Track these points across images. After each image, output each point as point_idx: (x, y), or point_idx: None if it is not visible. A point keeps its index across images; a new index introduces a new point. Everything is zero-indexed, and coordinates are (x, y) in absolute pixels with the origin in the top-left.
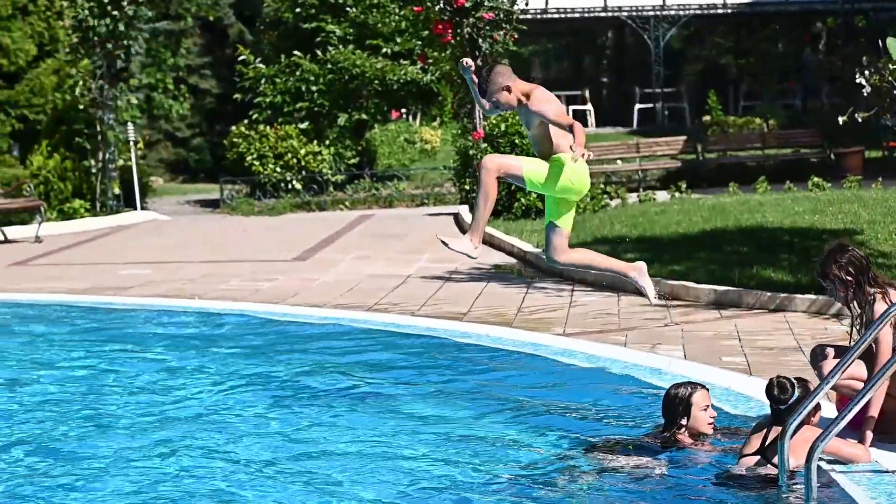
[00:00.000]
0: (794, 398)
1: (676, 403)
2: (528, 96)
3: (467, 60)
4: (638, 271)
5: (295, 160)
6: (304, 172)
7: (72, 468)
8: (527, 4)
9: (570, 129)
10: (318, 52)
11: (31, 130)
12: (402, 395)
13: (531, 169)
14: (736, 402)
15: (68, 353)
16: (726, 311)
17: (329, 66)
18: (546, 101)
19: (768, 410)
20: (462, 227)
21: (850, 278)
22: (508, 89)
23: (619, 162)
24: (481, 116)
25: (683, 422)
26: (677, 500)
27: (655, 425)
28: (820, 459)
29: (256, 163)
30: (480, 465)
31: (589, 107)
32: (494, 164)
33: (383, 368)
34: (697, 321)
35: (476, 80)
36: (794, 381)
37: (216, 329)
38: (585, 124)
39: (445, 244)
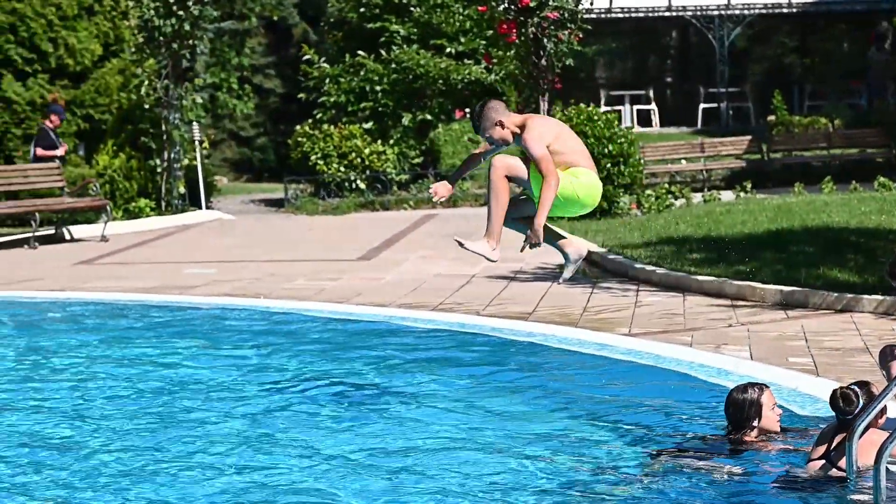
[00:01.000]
0: (859, 408)
1: (748, 405)
2: (522, 128)
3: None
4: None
5: (359, 160)
6: (368, 172)
7: (144, 464)
8: (591, 4)
9: (545, 175)
10: (383, 52)
11: (96, 130)
12: (467, 395)
13: (536, 177)
14: (803, 402)
15: (135, 352)
16: (792, 312)
17: (393, 65)
18: (535, 141)
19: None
20: None
21: None
22: (501, 125)
23: (683, 162)
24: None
25: (755, 423)
26: (748, 500)
27: (723, 426)
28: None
29: (321, 162)
30: (545, 465)
31: (653, 106)
32: (504, 164)
33: (449, 368)
34: (763, 322)
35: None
36: (859, 391)
37: (281, 328)
38: (650, 124)
39: (461, 244)
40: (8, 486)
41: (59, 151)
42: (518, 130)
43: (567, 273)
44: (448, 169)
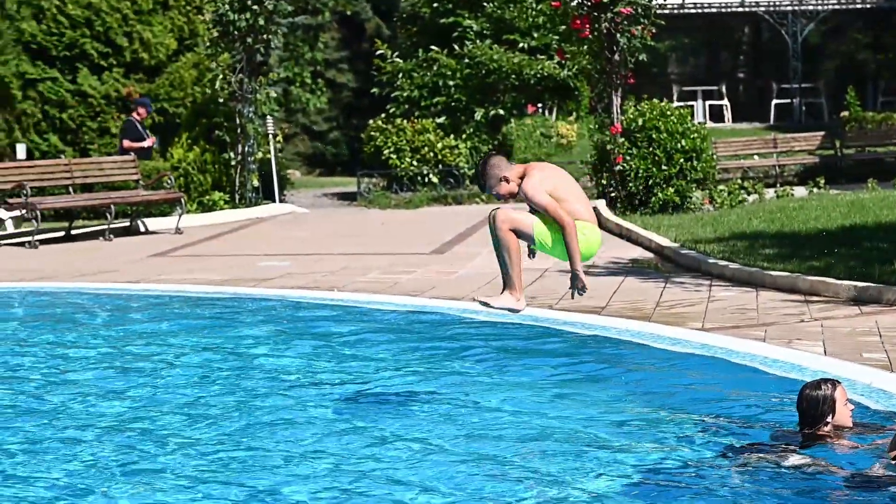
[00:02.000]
0: None
1: (821, 401)
2: (523, 178)
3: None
4: (512, 303)
5: (432, 154)
6: (440, 166)
7: (223, 453)
8: (665, 0)
9: (559, 223)
10: (456, 47)
11: (171, 123)
12: (543, 387)
13: (543, 231)
14: (877, 398)
15: (209, 343)
16: (866, 308)
17: (466, 60)
18: (535, 190)
19: None
20: (600, 223)
21: None
22: (506, 179)
23: (756, 157)
24: (619, 111)
25: (828, 419)
26: (821, 496)
27: (796, 422)
28: None
29: (393, 156)
30: (619, 458)
31: (725, 102)
32: (507, 217)
33: (524, 360)
34: (837, 317)
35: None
36: None
37: (356, 321)
38: (722, 119)
39: (486, 304)
40: (97, 469)
41: (146, 143)
42: (520, 182)
43: (486, 298)
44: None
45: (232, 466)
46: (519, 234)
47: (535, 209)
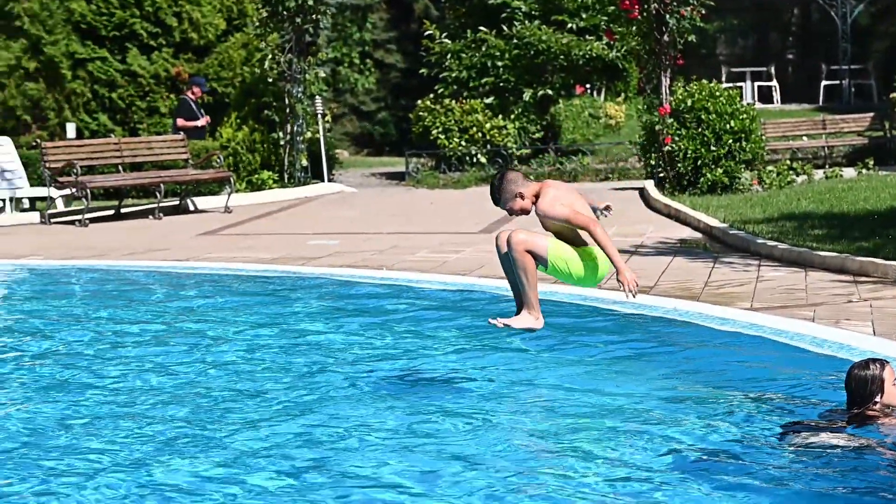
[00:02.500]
0: None
1: (869, 381)
2: (538, 196)
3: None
4: (532, 322)
5: (480, 134)
6: (488, 146)
7: (268, 430)
8: None
9: (588, 230)
10: (504, 28)
11: (220, 103)
12: (594, 364)
13: (557, 253)
14: None
15: (258, 321)
16: None
17: (514, 41)
18: (551, 205)
19: None
20: (648, 203)
21: None
22: (521, 196)
23: (804, 138)
24: (668, 92)
25: (877, 398)
26: (869, 475)
27: (844, 402)
28: None
29: (442, 136)
30: (669, 435)
31: (774, 83)
32: (521, 239)
33: (573, 339)
34: (886, 298)
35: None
36: None
37: (405, 299)
38: (771, 101)
39: (508, 326)
40: (153, 442)
41: (200, 122)
42: (535, 199)
43: (505, 320)
44: (569, 144)
45: (282, 441)
46: (533, 255)
47: (549, 228)
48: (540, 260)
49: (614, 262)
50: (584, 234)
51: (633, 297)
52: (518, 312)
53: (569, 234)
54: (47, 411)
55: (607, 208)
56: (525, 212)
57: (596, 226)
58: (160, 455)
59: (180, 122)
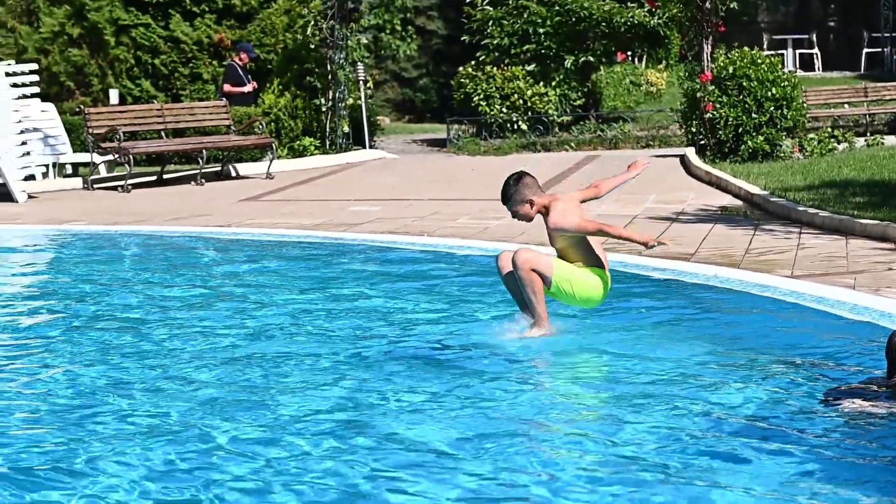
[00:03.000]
0: None
1: None
2: (547, 210)
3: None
4: (544, 333)
5: (521, 101)
6: (530, 113)
7: (312, 391)
8: None
9: (601, 232)
10: None
11: (262, 70)
12: (631, 332)
13: (562, 276)
14: None
15: (300, 286)
16: None
17: (556, 8)
18: (563, 216)
19: None
20: (689, 170)
21: None
22: (532, 203)
23: (846, 106)
24: (709, 59)
25: None
26: None
27: (885, 369)
28: None
29: (483, 103)
30: (709, 403)
31: (815, 51)
32: (527, 258)
33: (614, 304)
34: None
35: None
36: None
37: (447, 264)
38: (812, 68)
39: (524, 338)
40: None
41: (247, 88)
42: (543, 211)
43: (518, 328)
44: (610, 111)
45: (324, 405)
46: (538, 273)
47: (556, 244)
48: (545, 280)
49: (637, 241)
50: (594, 243)
51: (667, 245)
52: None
53: (573, 253)
54: (94, 374)
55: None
56: (528, 219)
57: (608, 227)
58: (204, 418)
59: (227, 87)
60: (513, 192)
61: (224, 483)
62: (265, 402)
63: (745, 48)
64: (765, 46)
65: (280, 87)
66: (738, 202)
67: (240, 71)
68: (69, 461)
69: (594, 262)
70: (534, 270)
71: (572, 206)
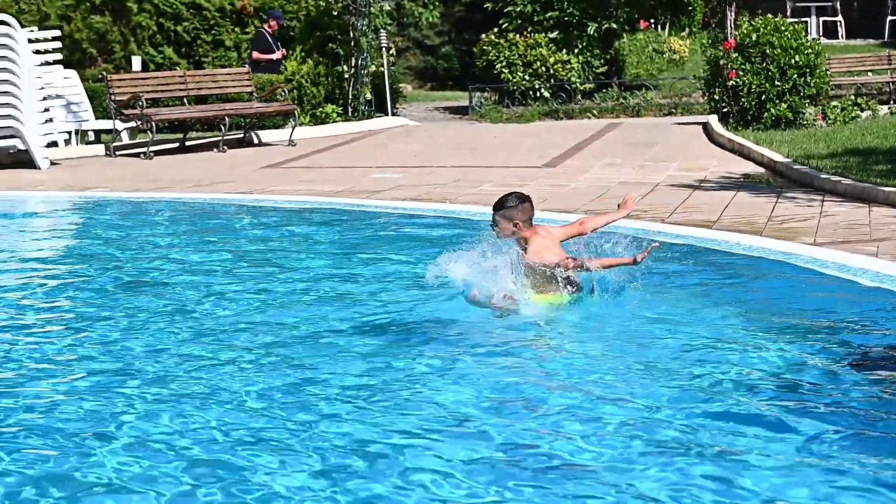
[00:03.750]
0: None
1: None
2: (526, 241)
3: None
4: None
5: (544, 68)
6: (552, 81)
7: (334, 358)
8: None
9: (581, 267)
10: None
11: (285, 36)
12: (652, 298)
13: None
14: None
15: (323, 250)
16: None
17: None
18: (540, 255)
19: None
20: (712, 138)
21: None
22: (516, 227)
23: (869, 74)
24: (732, 26)
25: None
26: None
27: None
28: None
29: (506, 71)
30: (730, 371)
31: (839, 18)
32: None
33: (634, 272)
34: None
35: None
36: None
37: (468, 231)
38: (836, 36)
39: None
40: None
41: (276, 55)
42: (522, 242)
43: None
44: (632, 78)
45: (345, 367)
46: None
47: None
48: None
49: (624, 263)
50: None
51: (657, 244)
52: None
53: (534, 279)
54: (122, 338)
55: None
56: (502, 236)
57: (588, 261)
58: (226, 382)
59: (256, 55)
60: (510, 206)
61: (254, 444)
62: (292, 365)
63: (769, 15)
64: (788, 14)
65: (303, 53)
66: (761, 170)
67: (269, 38)
68: (103, 425)
69: (552, 289)
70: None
71: (550, 243)
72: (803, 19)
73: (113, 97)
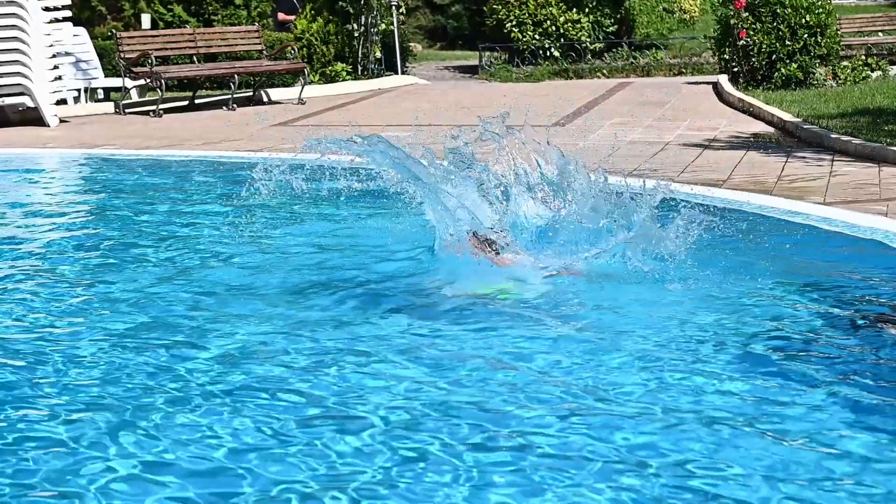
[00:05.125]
0: None
1: None
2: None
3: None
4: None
5: (554, 28)
6: (562, 40)
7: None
8: None
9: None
10: None
11: None
12: (658, 258)
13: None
14: None
15: (328, 212)
16: None
17: None
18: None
19: None
20: (722, 97)
21: None
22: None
23: (880, 34)
24: None
25: None
26: None
27: None
28: None
29: (515, 30)
30: (741, 327)
31: None
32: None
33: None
34: None
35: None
36: None
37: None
38: None
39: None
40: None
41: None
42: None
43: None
44: (643, 38)
45: (350, 322)
46: None
47: None
48: None
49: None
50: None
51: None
52: None
53: None
54: (131, 291)
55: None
56: (469, 255)
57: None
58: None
59: (281, 16)
60: (474, 241)
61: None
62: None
63: None
64: None
65: (312, 12)
66: (771, 129)
67: None
68: (113, 377)
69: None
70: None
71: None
72: None
73: (122, 55)
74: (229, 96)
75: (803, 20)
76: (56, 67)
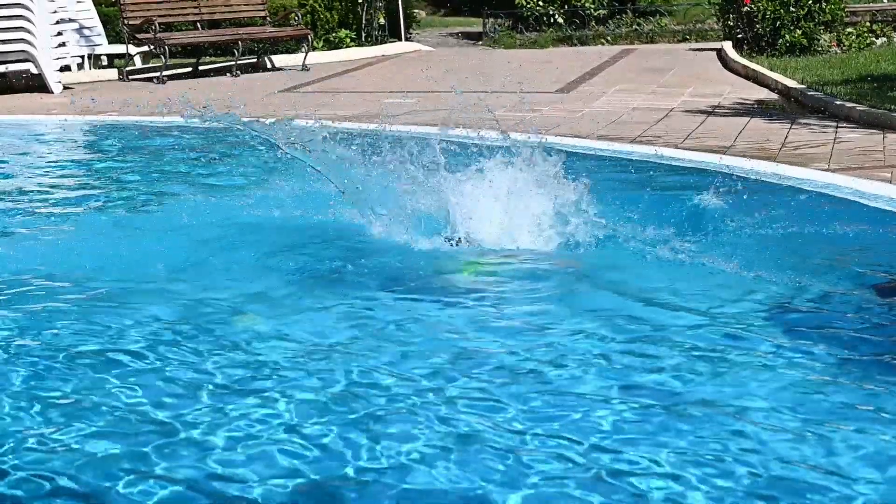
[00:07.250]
0: None
1: None
2: None
3: None
4: None
5: None
6: (566, 7)
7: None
8: None
9: None
10: None
11: None
12: (669, 220)
13: None
14: None
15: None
16: None
17: None
18: None
19: None
20: (726, 64)
21: None
22: None
23: (884, 1)
24: None
25: None
26: None
27: None
28: None
29: None
30: (748, 295)
31: None
32: None
33: (645, 193)
34: None
35: None
36: None
37: (480, 156)
38: None
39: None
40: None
41: None
42: None
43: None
44: (647, 4)
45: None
46: None
47: None
48: None
49: None
50: None
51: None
52: None
53: None
54: (138, 252)
55: None
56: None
57: None
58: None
59: None
60: None
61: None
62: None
63: None
64: None
65: None
66: (775, 96)
67: None
68: (113, 342)
69: None
70: None
71: None
72: None
73: (126, 21)
74: (233, 63)
75: None
76: (60, 34)
